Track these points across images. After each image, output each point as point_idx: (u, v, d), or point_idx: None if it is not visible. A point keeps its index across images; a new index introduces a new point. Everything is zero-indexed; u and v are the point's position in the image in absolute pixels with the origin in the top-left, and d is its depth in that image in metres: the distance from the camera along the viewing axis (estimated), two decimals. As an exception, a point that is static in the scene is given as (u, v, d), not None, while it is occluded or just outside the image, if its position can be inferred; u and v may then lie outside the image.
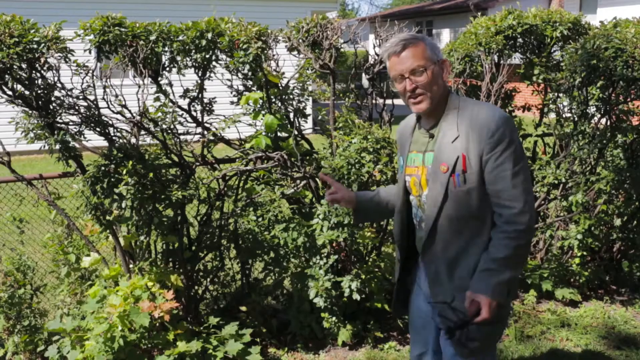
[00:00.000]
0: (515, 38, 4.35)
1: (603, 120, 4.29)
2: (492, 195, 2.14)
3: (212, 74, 3.80)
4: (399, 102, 4.50)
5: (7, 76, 3.27)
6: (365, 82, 4.21)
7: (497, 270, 2.12)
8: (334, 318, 3.82)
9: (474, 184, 2.14)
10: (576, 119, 4.29)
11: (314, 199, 3.98)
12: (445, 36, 23.19)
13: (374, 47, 4.08)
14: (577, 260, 4.42)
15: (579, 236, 4.25)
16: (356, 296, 3.70)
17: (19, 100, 3.37)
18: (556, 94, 4.42)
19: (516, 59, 4.60)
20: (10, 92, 3.35)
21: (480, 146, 2.10)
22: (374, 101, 4.15)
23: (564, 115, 4.46)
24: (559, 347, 3.88)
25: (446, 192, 2.17)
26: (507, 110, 4.61)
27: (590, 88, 4.11)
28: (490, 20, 4.42)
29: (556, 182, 4.21)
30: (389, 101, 4.16)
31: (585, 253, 4.38)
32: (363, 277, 3.79)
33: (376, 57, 4.06)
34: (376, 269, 3.93)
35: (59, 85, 3.43)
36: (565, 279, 4.49)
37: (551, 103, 4.50)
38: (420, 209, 2.31)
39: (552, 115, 4.61)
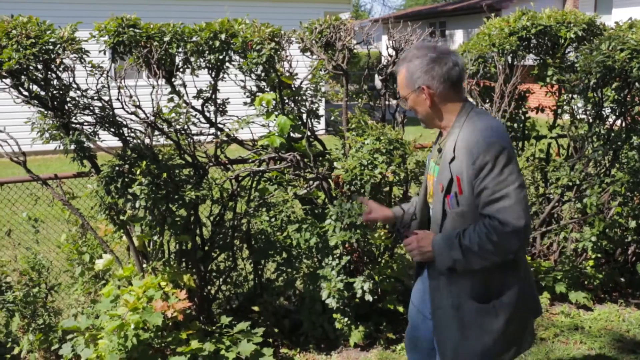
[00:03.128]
0: (529, 39, 4.32)
1: (618, 122, 4.25)
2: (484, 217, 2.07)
3: (225, 75, 3.81)
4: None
5: (23, 77, 3.30)
6: (378, 83, 4.20)
7: (455, 247, 2.10)
8: (346, 319, 3.82)
9: (466, 207, 2.10)
10: (591, 120, 4.26)
11: (326, 200, 3.99)
12: (458, 37, 23.10)
13: (387, 48, 4.08)
14: (591, 263, 4.39)
15: (593, 238, 4.22)
16: (368, 297, 3.70)
17: (35, 101, 3.40)
18: (570, 95, 4.39)
19: (530, 60, 4.57)
20: (26, 93, 3.38)
21: (468, 171, 2.06)
22: (387, 102, 4.15)
23: (578, 117, 4.43)
24: (573, 351, 3.85)
25: (443, 212, 2.17)
26: (520, 111, 4.59)
27: (605, 89, 4.08)
28: (503, 21, 4.40)
29: (570, 184, 4.18)
30: (401, 102, 4.15)
31: (599, 255, 4.35)
32: (375, 278, 3.79)
33: (389, 58, 4.06)
34: (389, 270, 3.92)
35: (74, 85, 3.46)
36: (579, 282, 4.45)
37: (565, 104, 4.47)
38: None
39: (566, 117, 4.58)
